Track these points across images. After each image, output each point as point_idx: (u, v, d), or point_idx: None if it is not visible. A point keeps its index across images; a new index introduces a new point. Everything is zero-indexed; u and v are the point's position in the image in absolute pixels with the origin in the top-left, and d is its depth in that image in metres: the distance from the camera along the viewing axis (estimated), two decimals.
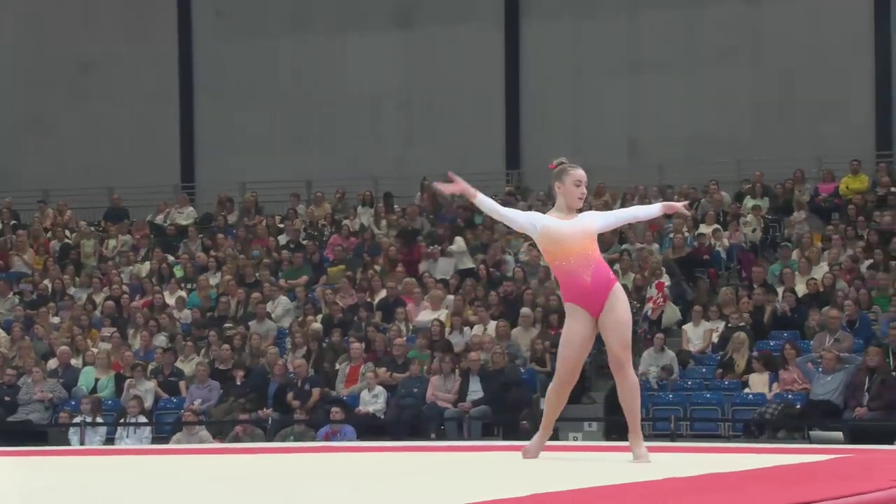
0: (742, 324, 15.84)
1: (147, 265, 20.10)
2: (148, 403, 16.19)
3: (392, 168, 22.74)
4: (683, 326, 16.51)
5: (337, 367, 16.36)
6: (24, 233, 21.37)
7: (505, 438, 14.31)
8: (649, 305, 16.63)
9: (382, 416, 15.52)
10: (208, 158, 24.18)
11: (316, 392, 15.73)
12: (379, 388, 15.68)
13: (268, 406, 15.86)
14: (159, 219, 22.13)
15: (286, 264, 19.46)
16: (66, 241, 21.41)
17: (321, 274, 19.12)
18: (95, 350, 17.34)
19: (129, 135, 24.13)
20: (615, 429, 13.82)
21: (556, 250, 7.05)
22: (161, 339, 17.60)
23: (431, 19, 23.10)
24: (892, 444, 13.10)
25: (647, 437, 14.47)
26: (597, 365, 15.34)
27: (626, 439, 7.17)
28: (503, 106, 22.81)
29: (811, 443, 13.67)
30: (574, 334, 7.07)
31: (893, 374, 14.49)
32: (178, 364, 16.95)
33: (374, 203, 21.20)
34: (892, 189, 19.05)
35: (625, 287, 17.60)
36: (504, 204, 7.96)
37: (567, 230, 7.03)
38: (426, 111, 23.17)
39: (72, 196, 23.06)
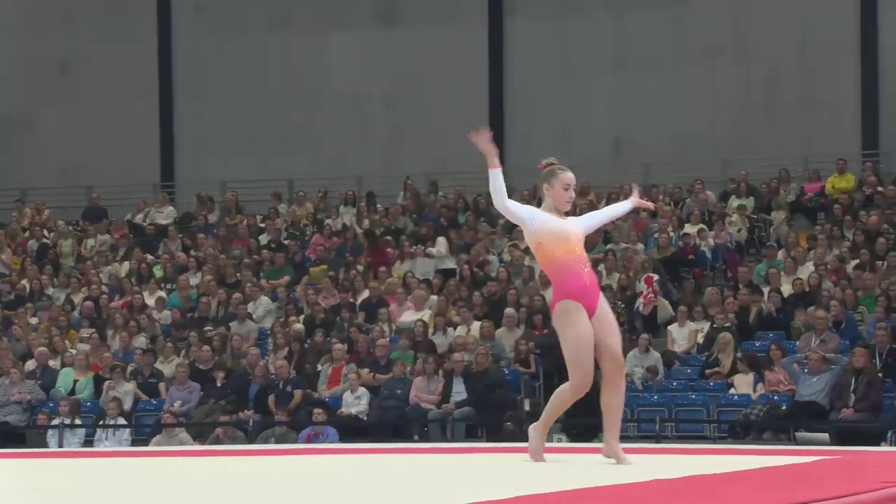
0: (727, 324, 15.78)
1: (126, 265, 19.98)
2: (127, 405, 16.08)
3: (376, 167, 22.62)
4: (669, 327, 16.43)
5: (319, 368, 16.27)
6: (1, 232, 21.27)
7: (489, 440, 14.25)
8: (640, 301, 16.63)
9: (365, 418, 15.45)
10: (188, 157, 24.03)
11: (298, 394, 15.65)
12: (362, 390, 15.61)
13: (249, 408, 15.77)
14: (139, 218, 22.02)
15: (267, 264, 19.35)
16: (45, 240, 21.30)
17: (303, 274, 19.02)
18: (74, 351, 17.25)
19: (108, 133, 23.94)
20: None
21: (557, 246, 6.98)
22: (140, 340, 17.51)
23: (416, 17, 22.99)
24: (879, 445, 13.05)
25: (632, 439, 14.52)
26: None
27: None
28: (487, 105, 22.72)
29: (797, 444, 13.60)
30: (587, 333, 6.89)
31: (879, 375, 14.44)
32: (158, 365, 16.85)
33: (357, 202, 21.08)
34: (879, 189, 19.00)
35: (609, 287, 17.68)
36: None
37: (569, 227, 7.06)
38: (410, 110, 23.05)
39: (50, 195, 22.93)
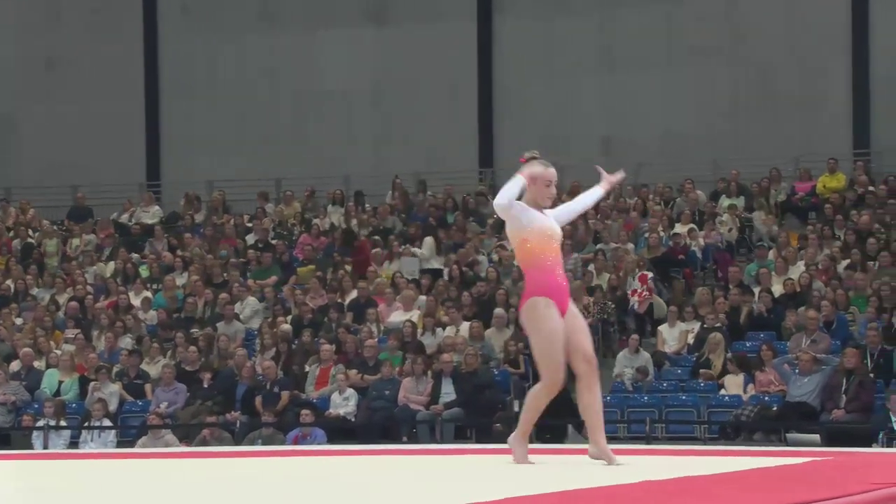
0: (718, 325, 15.71)
1: (112, 265, 19.88)
2: (113, 406, 16.02)
3: (364, 166, 22.51)
4: (659, 327, 16.36)
5: (307, 368, 16.20)
6: None
7: (478, 441, 14.19)
8: (634, 299, 16.67)
9: (353, 419, 15.38)
10: (175, 156, 23.91)
11: (285, 395, 15.58)
12: (350, 391, 15.55)
13: (236, 409, 15.69)
14: (124, 218, 21.91)
15: (255, 264, 19.26)
16: (29, 240, 21.20)
17: (291, 274, 18.92)
18: (59, 352, 17.17)
19: (94, 132, 23.80)
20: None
21: (541, 246, 6.96)
22: (126, 341, 17.42)
23: (404, 16, 22.89)
24: (870, 446, 12.99)
25: (622, 440, 14.46)
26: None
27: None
28: (476, 104, 22.63)
29: (788, 445, 13.53)
30: (559, 329, 6.90)
31: (871, 375, 14.37)
32: (144, 366, 16.77)
33: (345, 202, 20.97)
34: (870, 188, 18.94)
35: (599, 287, 17.56)
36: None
37: (555, 227, 7.05)
38: (398, 109, 22.95)
39: (35, 194, 22.80)
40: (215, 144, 23.38)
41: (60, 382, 16.61)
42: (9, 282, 19.51)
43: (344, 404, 15.41)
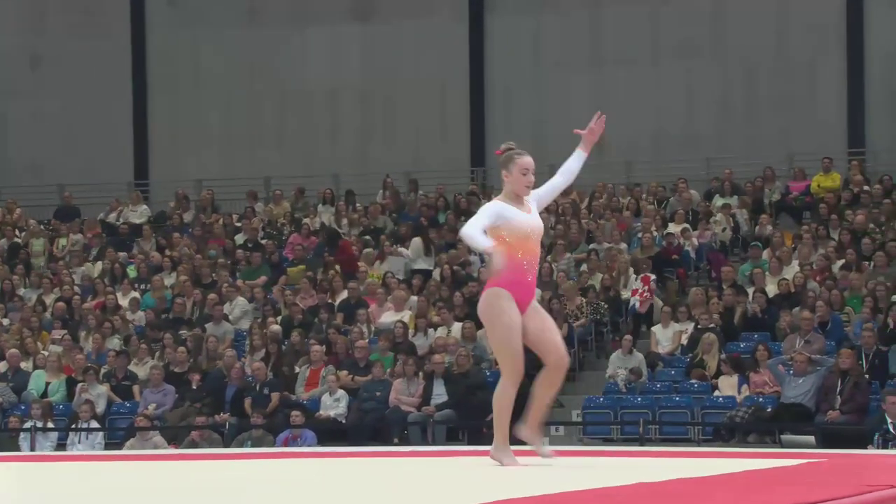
0: (712, 325, 15.63)
1: (99, 265, 19.78)
2: (100, 408, 15.97)
3: (353, 165, 22.39)
4: (652, 328, 16.26)
5: (297, 370, 16.15)
6: None
7: (470, 443, 14.11)
8: (636, 299, 16.66)
9: (344, 421, 15.33)
10: (163, 155, 23.76)
11: (275, 396, 15.52)
12: (340, 392, 15.48)
13: (225, 411, 15.62)
14: (112, 217, 21.80)
15: (244, 264, 19.15)
16: (16, 240, 21.10)
17: (280, 274, 18.80)
18: (46, 353, 17.12)
19: (81, 131, 23.65)
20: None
21: (514, 243, 6.90)
22: (114, 342, 17.36)
23: (393, 12, 22.76)
24: (865, 448, 12.89)
25: (615, 442, 14.35)
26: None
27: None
28: (468, 102, 22.51)
29: (782, 447, 13.44)
30: (517, 321, 6.85)
31: (866, 376, 14.29)
32: (132, 367, 16.70)
33: (336, 201, 20.84)
34: (865, 188, 18.85)
35: (592, 287, 17.42)
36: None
37: (532, 225, 6.96)
38: (388, 107, 22.83)
39: (21, 193, 22.68)
40: (204, 143, 23.26)
41: (47, 384, 16.57)
42: None
43: (334, 406, 15.33)
